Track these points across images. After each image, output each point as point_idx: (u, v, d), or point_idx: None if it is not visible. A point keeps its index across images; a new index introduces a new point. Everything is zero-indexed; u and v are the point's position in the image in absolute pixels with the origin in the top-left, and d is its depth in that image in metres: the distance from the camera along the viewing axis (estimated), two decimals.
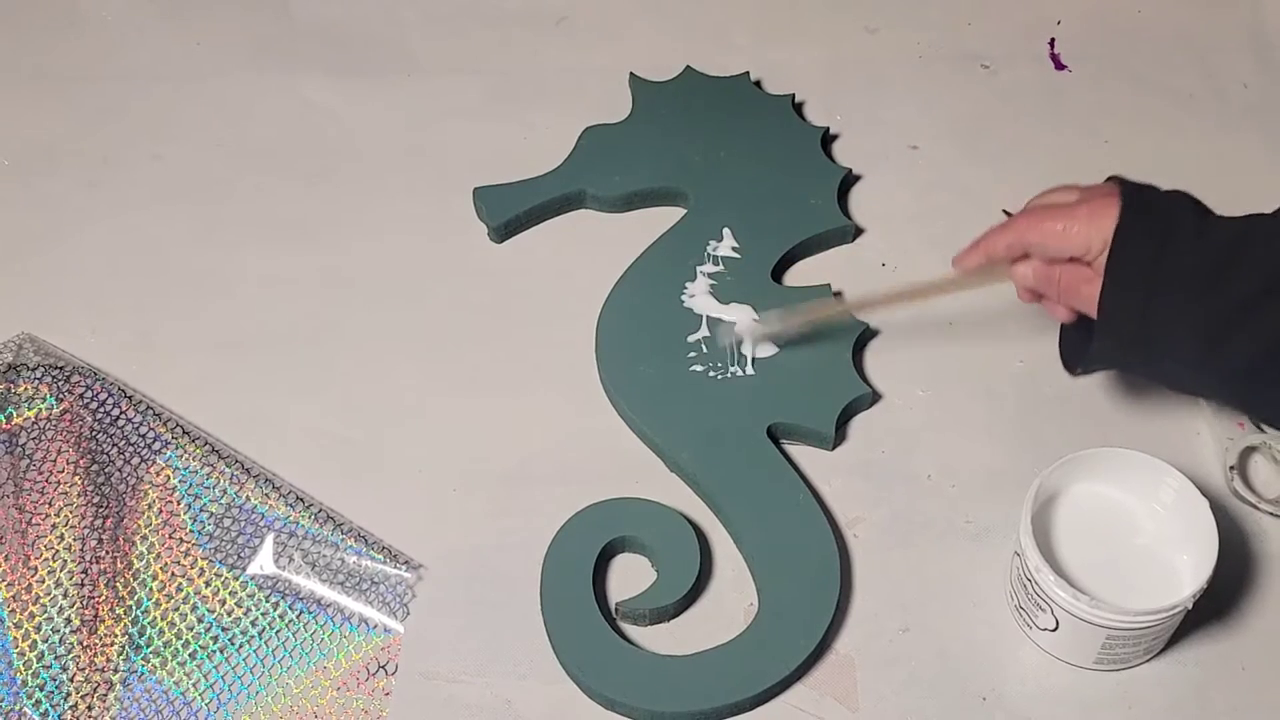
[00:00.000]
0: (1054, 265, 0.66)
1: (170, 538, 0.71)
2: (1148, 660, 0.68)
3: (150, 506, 0.72)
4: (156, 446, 0.74)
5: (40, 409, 0.74)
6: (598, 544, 0.70)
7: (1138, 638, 0.64)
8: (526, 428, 0.76)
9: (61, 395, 0.75)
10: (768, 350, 0.77)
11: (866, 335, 0.79)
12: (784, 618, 0.68)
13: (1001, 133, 0.90)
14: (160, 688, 0.67)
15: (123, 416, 0.74)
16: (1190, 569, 0.66)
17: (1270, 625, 0.69)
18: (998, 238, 0.68)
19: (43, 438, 0.73)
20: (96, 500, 0.71)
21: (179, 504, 0.72)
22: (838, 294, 0.80)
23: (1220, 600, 0.69)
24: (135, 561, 0.70)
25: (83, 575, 0.69)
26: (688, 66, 0.91)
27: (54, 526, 0.70)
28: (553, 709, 0.67)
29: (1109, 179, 0.67)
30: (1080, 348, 0.69)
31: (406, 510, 0.73)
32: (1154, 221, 0.63)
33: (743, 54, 0.94)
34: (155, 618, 0.69)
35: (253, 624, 0.69)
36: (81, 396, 0.75)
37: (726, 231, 0.82)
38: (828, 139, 0.89)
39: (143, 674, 0.67)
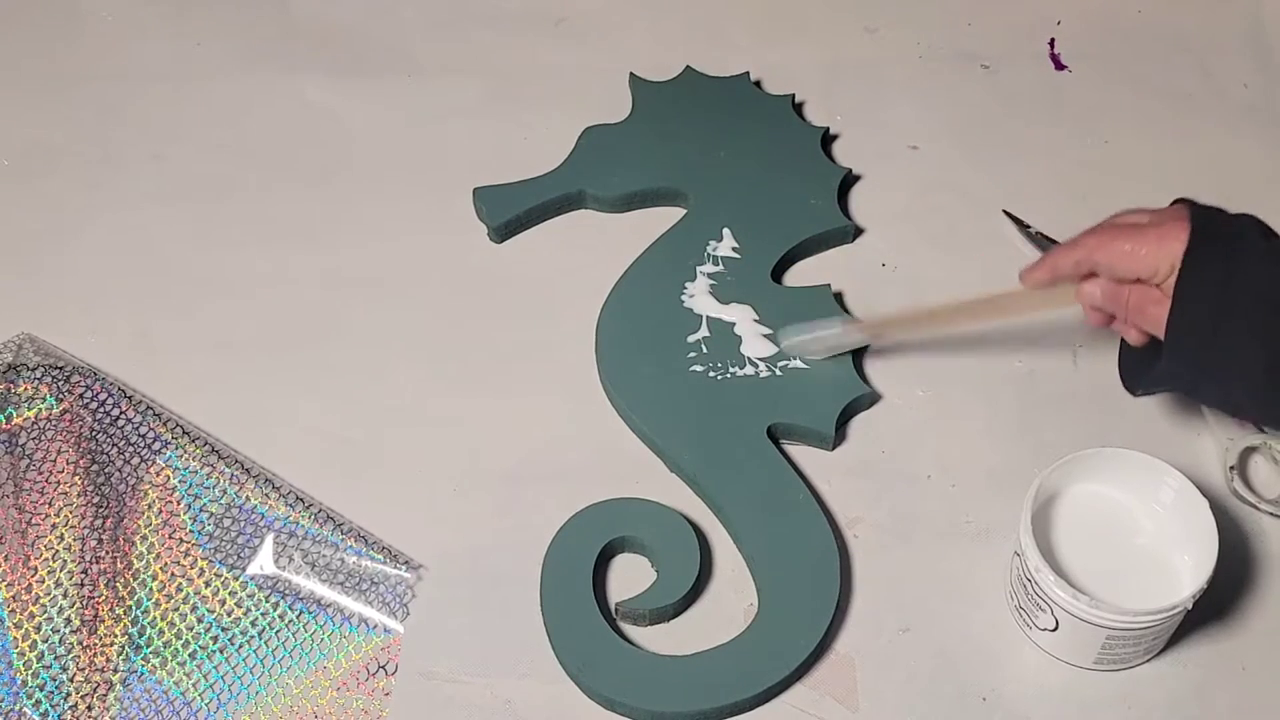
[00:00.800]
0: (1122, 286, 0.66)
1: (170, 538, 0.71)
2: (1148, 660, 0.68)
3: (150, 506, 0.72)
4: (156, 446, 0.74)
5: (40, 409, 0.74)
6: (598, 544, 0.70)
7: (1138, 638, 0.64)
8: (526, 428, 0.76)
9: (61, 395, 0.75)
10: (769, 349, 0.77)
11: None
12: (784, 618, 0.68)
13: (1001, 133, 0.90)
14: (160, 688, 0.67)
15: (123, 416, 0.74)
16: (1190, 569, 0.66)
17: (1270, 625, 0.69)
18: (1065, 254, 0.67)
19: (43, 438, 0.73)
20: (96, 500, 0.71)
21: (179, 504, 0.72)
22: (841, 309, 0.80)
23: (1220, 600, 0.69)
24: (135, 561, 0.70)
25: (83, 575, 0.69)
26: (688, 66, 0.91)
27: (54, 526, 0.70)
28: (553, 709, 0.67)
29: (1176, 201, 0.67)
30: (1140, 368, 0.69)
31: (406, 510, 0.73)
32: (1223, 246, 0.63)
33: (743, 54, 0.94)
34: (155, 618, 0.69)
35: (253, 624, 0.69)
36: (81, 396, 0.75)
37: (726, 231, 0.82)
38: (828, 139, 0.89)
39: (143, 674, 0.67)
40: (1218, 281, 0.62)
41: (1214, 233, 0.63)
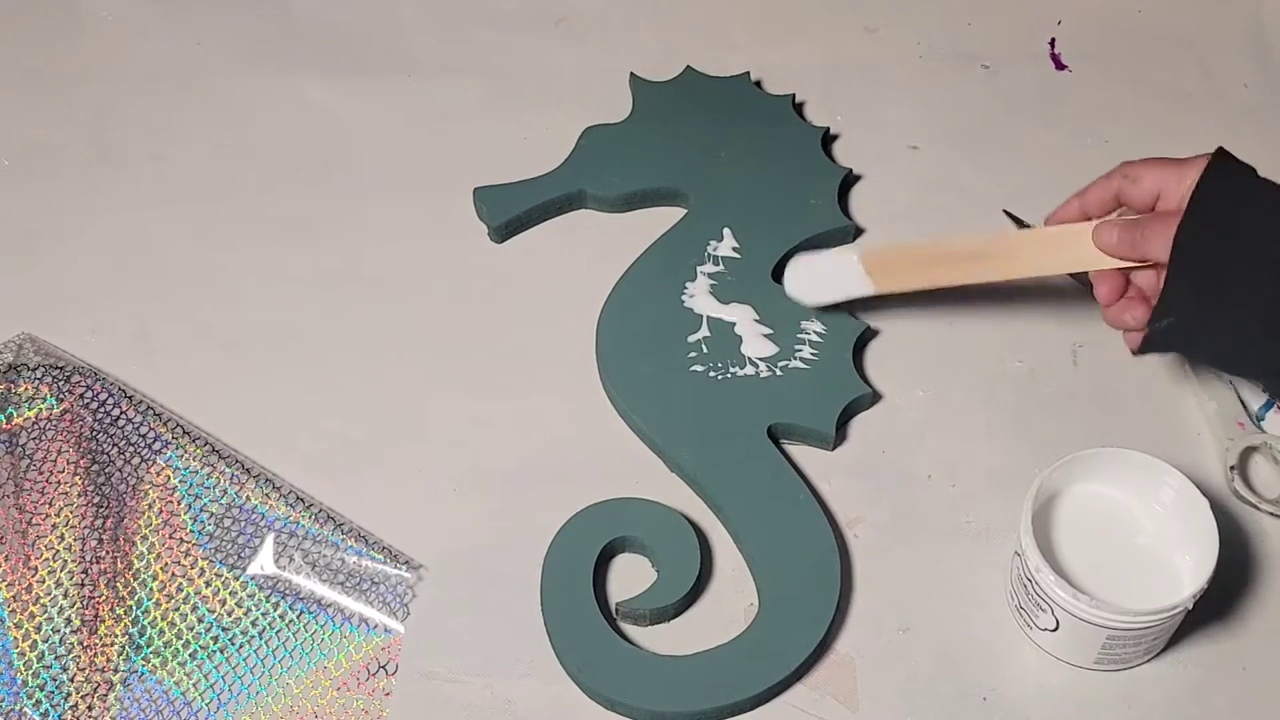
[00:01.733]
0: (1137, 223, 0.66)
1: (170, 538, 0.71)
2: (1148, 660, 0.68)
3: (150, 506, 0.72)
4: (156, 446, 0.74)
5: (40, 409, 0.74)
6: (598, 544, 0.70)
7: (1138, 638, 0.64)
8: (526, 428, 0.76)
9: (61, 395, 0.75)
10: (769, 349, 0.77)
11: (866, 335, 0.79)
12: (784, 618, 0.68)
13: (1001, 133, 0.90)
14: (160, 688, 0.67)
15: (123, 416, 0.74)
16: (1190, 569, 0.66)
17: (1270, 625, 0.69)
18: (1095, 184, 0.70)
19: (43, 438, 0.73)
20: (96, 500, 0.71)
21: (179, 504, 0.72)
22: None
23: (1220, 600, 0.69)
24: (135, 561, 0.70)
25: (83, 575, 0.69)
26: (688, 66, 0.91)
27: (54, 526, 0.70)
28: (553, 709, 0.67)
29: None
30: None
31: (406, 510, 0.73)
32: (1244, 175, 0.63)
33: (743, 54, 0.94)
34: (155, 618, 0.69)
35: (253, 624, 0.69)
36: (81, 396, 0.75)
37: (726, 231, 0.82)
38: (828, 139, 0.89)
39: (143, 674, 0.67)
40: (1234, 197, 0.62)
41: (1238, 167, 0.64)
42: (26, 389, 0.75)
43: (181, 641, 0.68)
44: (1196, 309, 0.64)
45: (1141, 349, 0.68)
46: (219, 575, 0.70)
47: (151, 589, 0.69)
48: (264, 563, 0.70)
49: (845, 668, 0.68)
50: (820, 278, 0.77)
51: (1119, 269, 0.68)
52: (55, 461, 0.72)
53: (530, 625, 0.69)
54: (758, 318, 0.78)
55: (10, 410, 0.74)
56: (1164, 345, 0.68)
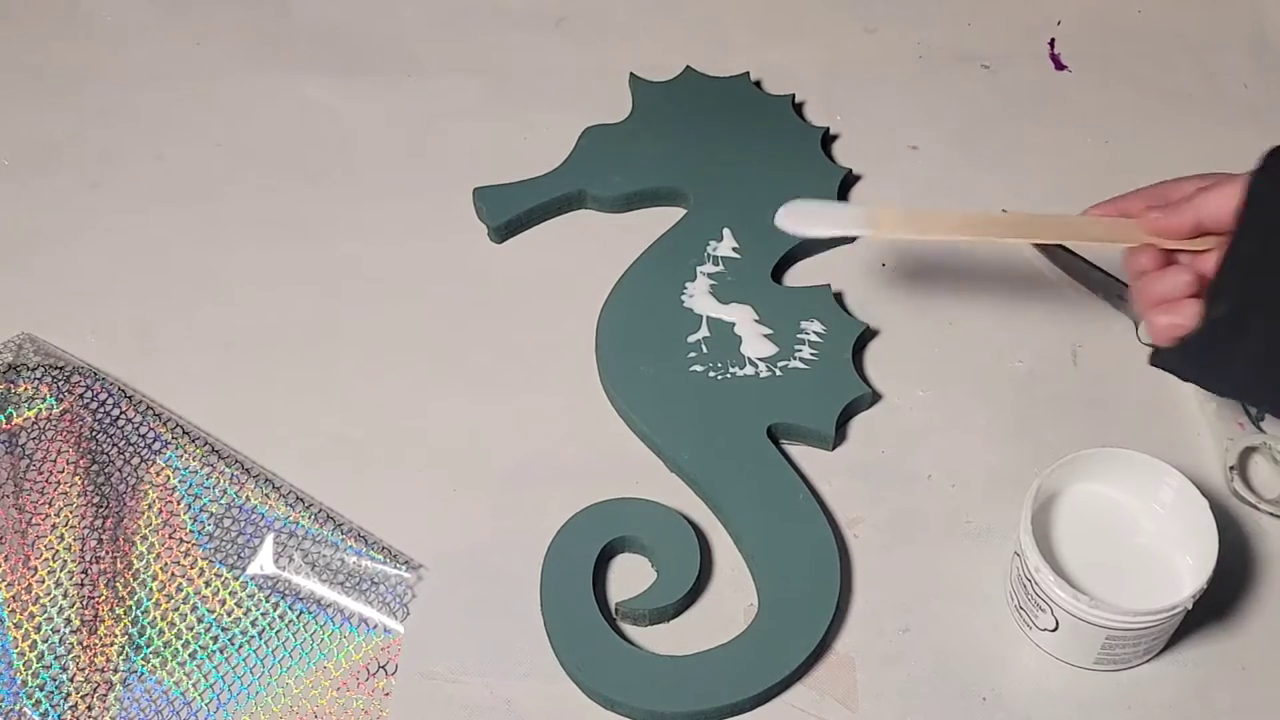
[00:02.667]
0: (1194, 194, 0.65)
1: (170, 538, 0.71)
2: (1147, 660, 0.68)
3: (150, 506, 0.72)
4: (156, 446, 0.74)
5: (40, 409, 0.74)
6: (598, 544, 0.70)
7: (1138, 638, 0.64)
8: (526, 428, 0.76)
9: (61, 395, 0.75)
10: (769, 349, 0.77)
11: (866, 335, 0.79)
12: (784, 618, 0.68)
13: (1001, 133, 0.90)
14: (160, 688, 0.67)
15: (123, 416, 0.74)
16: (1190, 569, 0.66)
17: (1270, 625, 0.69)
18: (1126, 195, 0.68)
19: (43, 438, 0.73)
20: (96, 500, 0.71)
21: (179, 504, 0.72)
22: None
23: (1220, 600, 0.69)
24: (135, 561, 0.70)
25: (83, 575, 0.69)
26: (688, 66, 0.91)
27: (54, 526, 0.70)
28: (553, 709, 0.67)
29: None
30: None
31: (406, 510, 0.73)
32: None
33: (743, 54, 0.94)
34: (155, 618, 0.69)
35: (253, 624, 0.69)
36: (81, 396, 0.75)
37: (726, 231, 0.82)
38: (828, 139, 0.89)
39: (143, 674, 0.67)
40: None
41: None
42: (26, 389, 0.75)
43: (181, 641, 0.68)
44: (1269, 252, 0.61)
45: (1184, 339, 0.62)
46: (219, 575, 0.70)
47: (151, 589, 0.69)
48: (264, 563, 0.70)
49: (845, 668, 0.68)
50: (818, 214, 0.72)
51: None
52: (55, 461, 0.72)
53: (530, 625, 0.69)
54: (757, 318, 0.78)
55: (10, 410, 0.74)
56: (1211, 336, 0.61)
